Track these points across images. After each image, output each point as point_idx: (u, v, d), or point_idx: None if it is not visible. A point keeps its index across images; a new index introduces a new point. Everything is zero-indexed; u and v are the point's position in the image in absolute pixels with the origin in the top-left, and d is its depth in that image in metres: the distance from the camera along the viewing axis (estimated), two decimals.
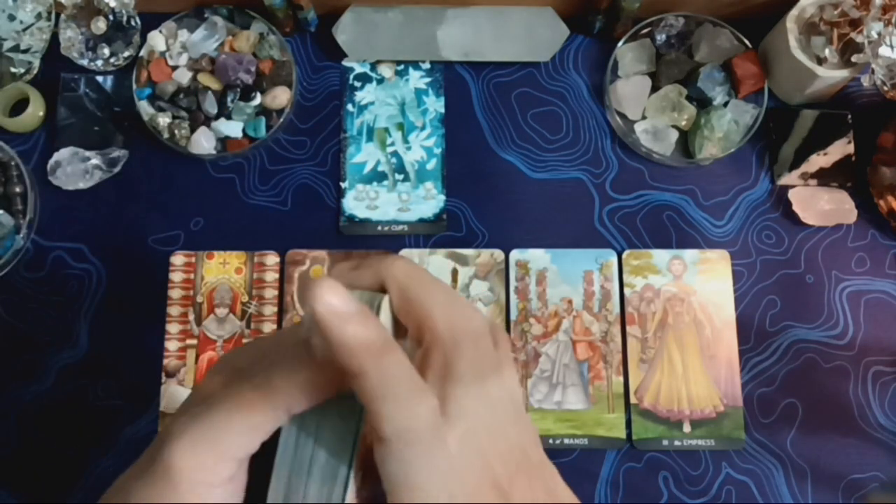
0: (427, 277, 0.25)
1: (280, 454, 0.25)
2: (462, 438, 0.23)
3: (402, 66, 0.68)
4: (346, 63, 0.68)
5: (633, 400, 0.61)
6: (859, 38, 0.61)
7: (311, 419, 0.25)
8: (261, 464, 0.25)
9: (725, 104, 0.66)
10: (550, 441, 0.60)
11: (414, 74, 0.68)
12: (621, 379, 0.62)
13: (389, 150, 0.67)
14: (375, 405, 0.22)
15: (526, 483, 0.24)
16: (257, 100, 0.66)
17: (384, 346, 0.23)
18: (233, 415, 0.24)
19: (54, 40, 0.66)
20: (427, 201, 0.65)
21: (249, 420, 0.24)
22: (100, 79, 0.67)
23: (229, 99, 0.65)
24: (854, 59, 0.62)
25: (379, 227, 0.65)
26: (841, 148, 0.67)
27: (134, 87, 0.65)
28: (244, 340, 0.62)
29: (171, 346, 0.61)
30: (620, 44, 0.67)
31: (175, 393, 0.60)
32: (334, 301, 0.22)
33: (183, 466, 0.23)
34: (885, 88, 0.60)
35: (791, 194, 0.65)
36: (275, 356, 0.26)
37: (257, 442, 0.24)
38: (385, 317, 0.25)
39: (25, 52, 0.66)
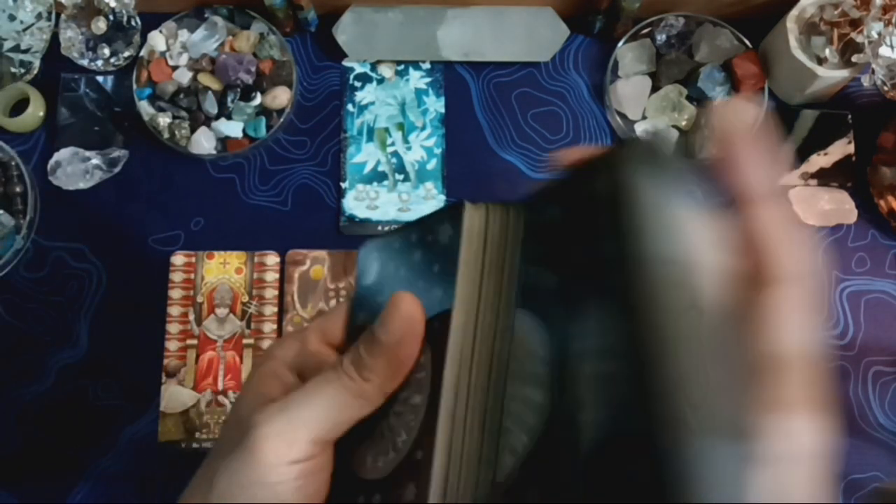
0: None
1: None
2: None
3: (402, 66, 0.68)
4: (346, 63, 0.68)
5: None
6: (859, 38, 0.61)
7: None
8: None
9: None
10: None
11: (414, 74, 0.68)
12: None
13: (390, 150, 0.67)
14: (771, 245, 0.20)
15: None
16: (257, 100, 0.66)
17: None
18: (327, 404, 0.25)
19: (54, 40, 0.66)
20: (427, 201, 0.65)
21: (344, 410, 0.25)
22: (100, 79, 0.67)
23: (229, 99, 0.65)
24: (854, 59, 0.62)
25: (379, 227, 0.64)
26: (841, 148, 0.67)
27: (134, 87, 0.65)
28: (244, 341, 0.61)
29: (172, 346, 0.61)
30: (620, 44, 0.67)
31: (175, 393, 0.60)
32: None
33: (269, 448, 0.24)
34: (886, 88, 0.60)
35: (791, 194, 0.65)
36: (327, 355, 0.29)
37: (349, 425, 0.26)
38: None
39: (26, 52, 0.66)
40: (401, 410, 0.25)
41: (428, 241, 0.27)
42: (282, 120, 0.65)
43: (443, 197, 0.65)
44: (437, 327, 0.25)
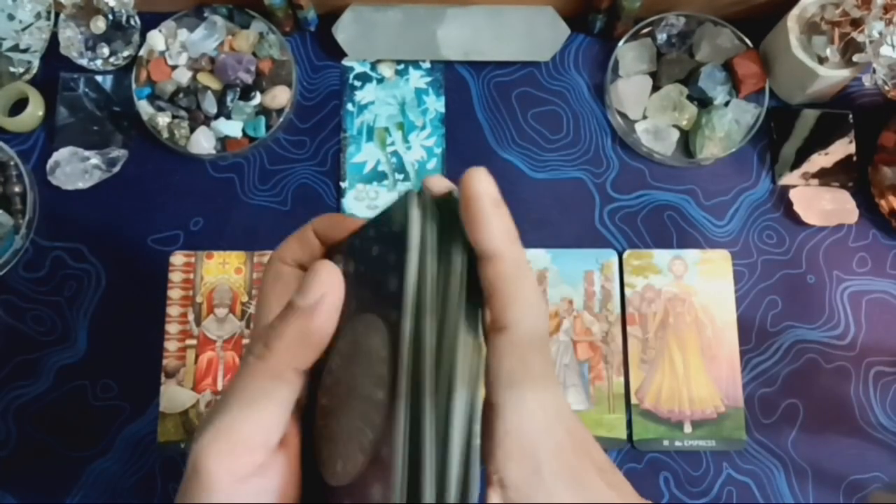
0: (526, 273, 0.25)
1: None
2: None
3: (402, 66, 0.68)
4: (345, 62, 0.68)
5: (633, 400, 0.61)
6: (860, 38, 0.61)
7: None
8: None
9: (726, 104, 0.66)
10: None
11: (414, 74, 0.68)
12: (622, 379, 0.62)
13: (389, 149, 0.66)
14: (506, 289, 0.24)
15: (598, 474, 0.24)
16: (257, 99, 0.65)
17: (517, 237, 0.25)
18: (243, 401, 0.24)
19: (53, 40, 0.66)
20: None
21: (260, 402, 0.24)
22: (99, 78, 0.66)
23: (229, 98, 0.65)
24: (855, 58, 0.61)
25: None
26: (842, 148, 0.67)
27: (133, 86, 0.65)
28: (244, 341, 0.61)
29: (171, 346, 0.61)
30: (621, 43, 0.67)
31: (174, 393, 0.60)
32: (490, 188, 0.25)
33: (209, 466, 0.23)
34: (887, 88, 0.60)
35: (792, 194, 0.65)
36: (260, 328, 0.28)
37: (278, 420, 0.24)
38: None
39: (25, 51, 0.66)
40: (366, 409, 0.25)
41: (384, 233, 0.27)
42: (281, 119, 0.65)
43: None
44: (394, 317, 0.24)
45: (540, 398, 0.23)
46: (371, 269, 0.27)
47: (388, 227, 0.26)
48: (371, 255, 0.27)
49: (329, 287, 0.25)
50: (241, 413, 0.23)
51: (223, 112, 0.65)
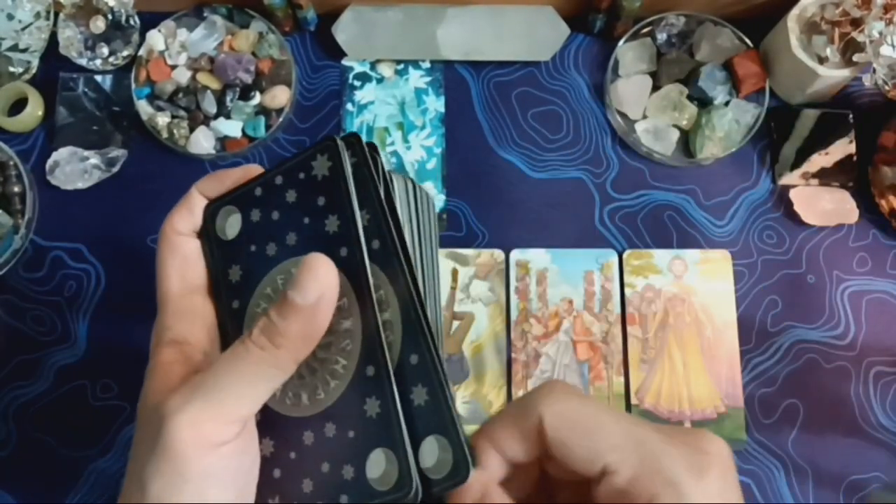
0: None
1: None
2: None
3: (401, 66, 0.68)
4: (345, 62, 0.68)
5: (633, 401, 0.61)
6: (860, 38, 0.61)
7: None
8: None
9: (726, 104, 0.66)
10: None
11: (414, 74, 0.68)
12: (622, 379, 0.62)
13: (389, 149, 0.66)
14: None
15: None
16: (256, 99, 0.65)
17: None
18: (239, 380, 0.25)
19: (53, 39, 0.66)
20: None
21: (258, 385, 0.25)
22: (98, 78, 0.66)
23: (228, 98, 0.65)
24: (855, 58, 0.61)
25: None
26: (842, 147, 0.67)
27: (133, 86, 0.65)
28: None
29: None
30: (621, 43, 0.67)
31: None
32: None
33: (182, 433, 0.23)
34: (887, 88, 0.60)
35: (792, 194, 0.65)
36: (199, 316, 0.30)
37: (265, 398, 0.25)
38: None
39: (24, 51, 0.65)
40: (331, 341, 0.27)
41: (301, 180, 0.28)
42: (281, 119, 0.65)
43: (443, 196, 0.65)
44: (345, 253, 0.27)
45: None
46: (291, 215, 0.28)
47: (307, 173, 0.28)
48: (286, 202, 0.29)
49: (327, 284, 0.25)
50: (236, 390, 0.24)
51: (223, 112, 0.65)
